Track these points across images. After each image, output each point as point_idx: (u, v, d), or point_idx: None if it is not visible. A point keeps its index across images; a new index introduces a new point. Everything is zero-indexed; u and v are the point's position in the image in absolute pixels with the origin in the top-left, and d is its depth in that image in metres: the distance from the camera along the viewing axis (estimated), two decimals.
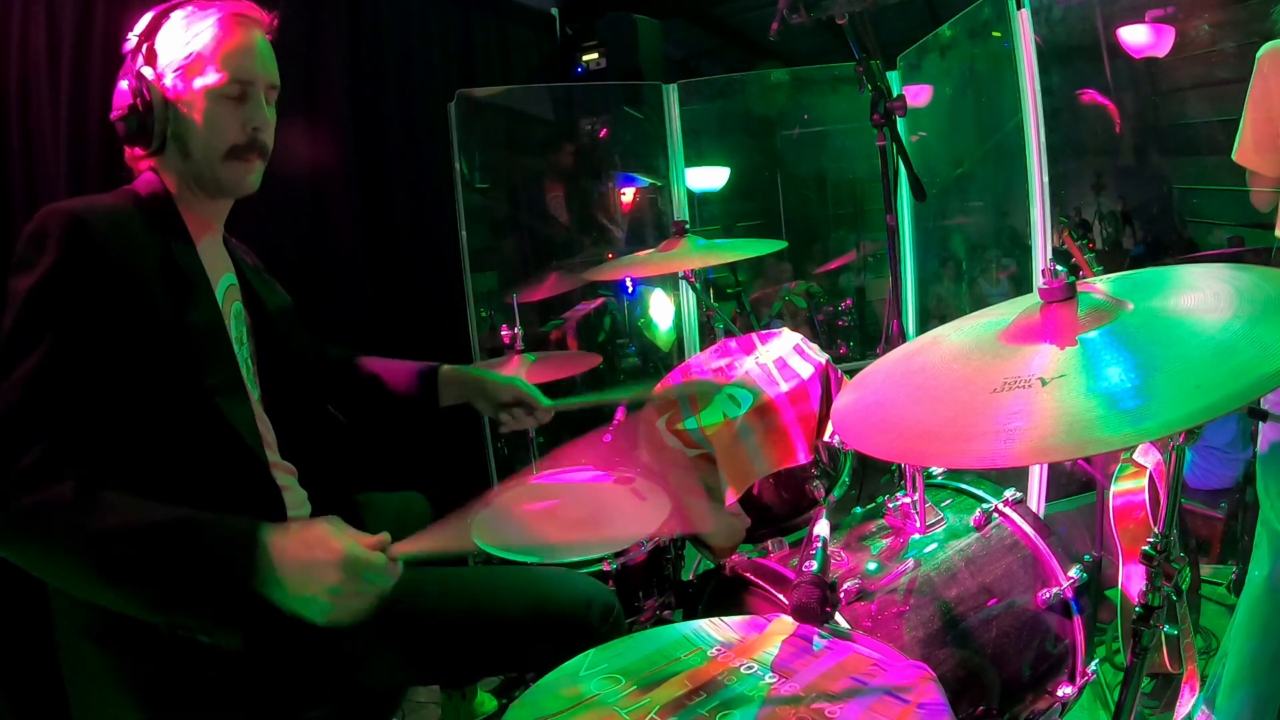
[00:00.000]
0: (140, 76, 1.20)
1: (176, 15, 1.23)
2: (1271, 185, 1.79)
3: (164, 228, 1.22)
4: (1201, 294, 0.96)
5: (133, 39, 1.23)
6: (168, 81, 1.21)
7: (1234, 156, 1.83)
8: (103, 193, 1.24)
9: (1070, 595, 1.46)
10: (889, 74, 3.51)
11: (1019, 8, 2.47)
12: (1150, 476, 2.06)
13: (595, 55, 3.91)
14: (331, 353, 1.65)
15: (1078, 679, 1.47)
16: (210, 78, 1.21)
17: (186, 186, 1.26)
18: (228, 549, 1.02)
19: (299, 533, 1.04)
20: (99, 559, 1.01)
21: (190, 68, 1.21)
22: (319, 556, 1.01)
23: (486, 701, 1.68)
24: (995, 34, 2.78)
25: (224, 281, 1.31)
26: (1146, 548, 1.03)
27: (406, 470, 3.13)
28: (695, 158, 3.84)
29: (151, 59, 1.22)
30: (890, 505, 1.57)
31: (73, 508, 1.00)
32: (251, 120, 1.25)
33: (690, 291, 2.80)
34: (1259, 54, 1.75)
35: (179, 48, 1.21)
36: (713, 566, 1.72)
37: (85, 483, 1.01)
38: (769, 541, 1.66)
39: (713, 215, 4.28)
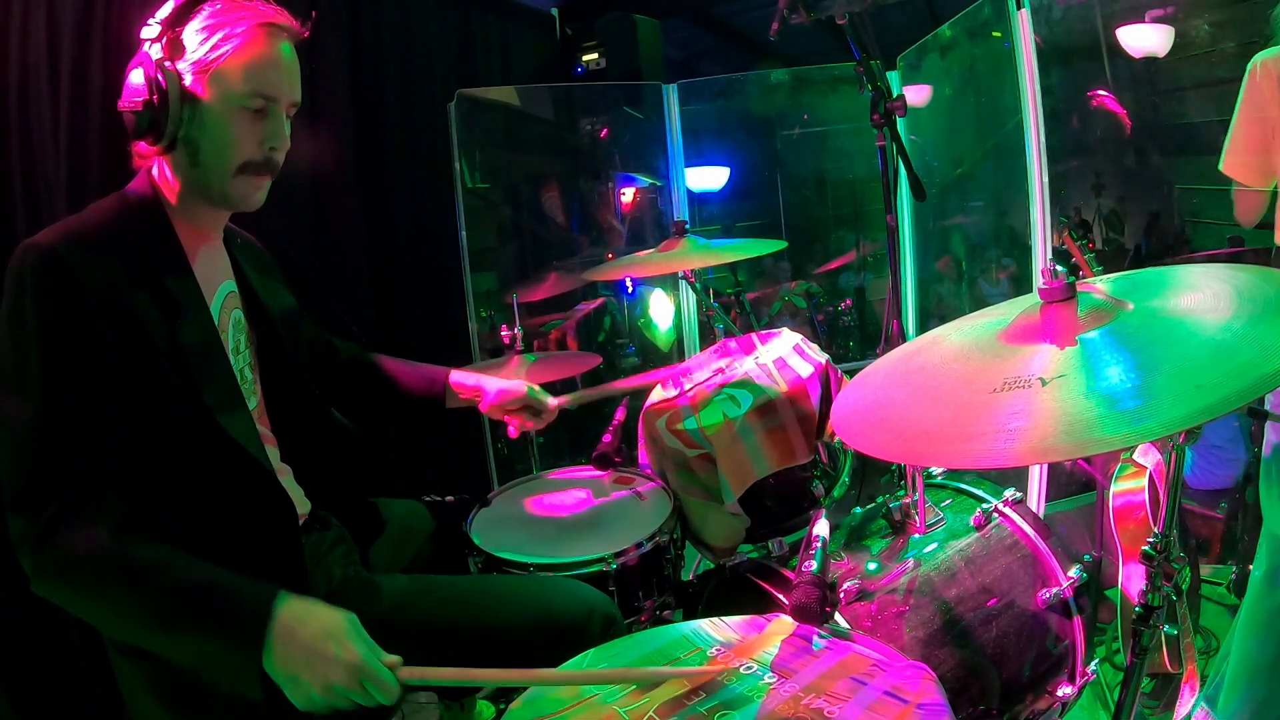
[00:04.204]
0: (160, 67, 1.13)
1: (205, 11, 1.17)
2: (1259, 196, 1.77)
3: (154, 244, 1.18)
4: (1201, 294, 0.97)
5: (154, 25, 1.16)
6: (188, 81, 1.15)
7: (1220, 167, 1.81)
8: (100, 199, 1.22)
9: (1070, 595, 1.46)
10: (889, 74, 3.51)
11: (1019, 8, 2.47)
12: (1150, 476, 2.06)
13: (595, 55, 3.91)
14: (341, 348, 1.65)
15: (1078, 679, 1.47)
16: (234, 88, 1.16)
17: (189, 193, 1.22)
18: (240, 617, 1.03)
19: (319, 619, 1.04)
20: (126, 613, 1.04)
21: (214, 73, 1.15)
22: (331, 652, 1.01)
23: (485, 710, 1.68)
24: (995, 34, 2.78)
25: (222, 290, 1.30)
26: (1146, 548, 1.03)
27: (408, 470, 3.15)
28: (695, 158, 3.84)
29: (174, 52, 1.15)
30: (890, 505, 1.57)
31: (106, 558, 1.02)
32: (270, 139, 1.21)
33: (690, 291, 2.80)
34: (1252, 63, 1.72)
35: (204, 48, 1.15)
36: (713, 566, 1.72)
37: (118, 531, 1.03)
38: (769, 541, 1.67)
39: (713, 215, 4.28)
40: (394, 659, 1.04)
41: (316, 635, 1.02)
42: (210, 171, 1.20)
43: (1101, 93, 3.39)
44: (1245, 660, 1.72)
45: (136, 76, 1.15)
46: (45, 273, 1.07)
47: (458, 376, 1.65)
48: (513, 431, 1.70)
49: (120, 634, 1.10)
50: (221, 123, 1.17)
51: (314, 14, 1.27)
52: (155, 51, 1.15)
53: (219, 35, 1.16)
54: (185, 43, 1.16)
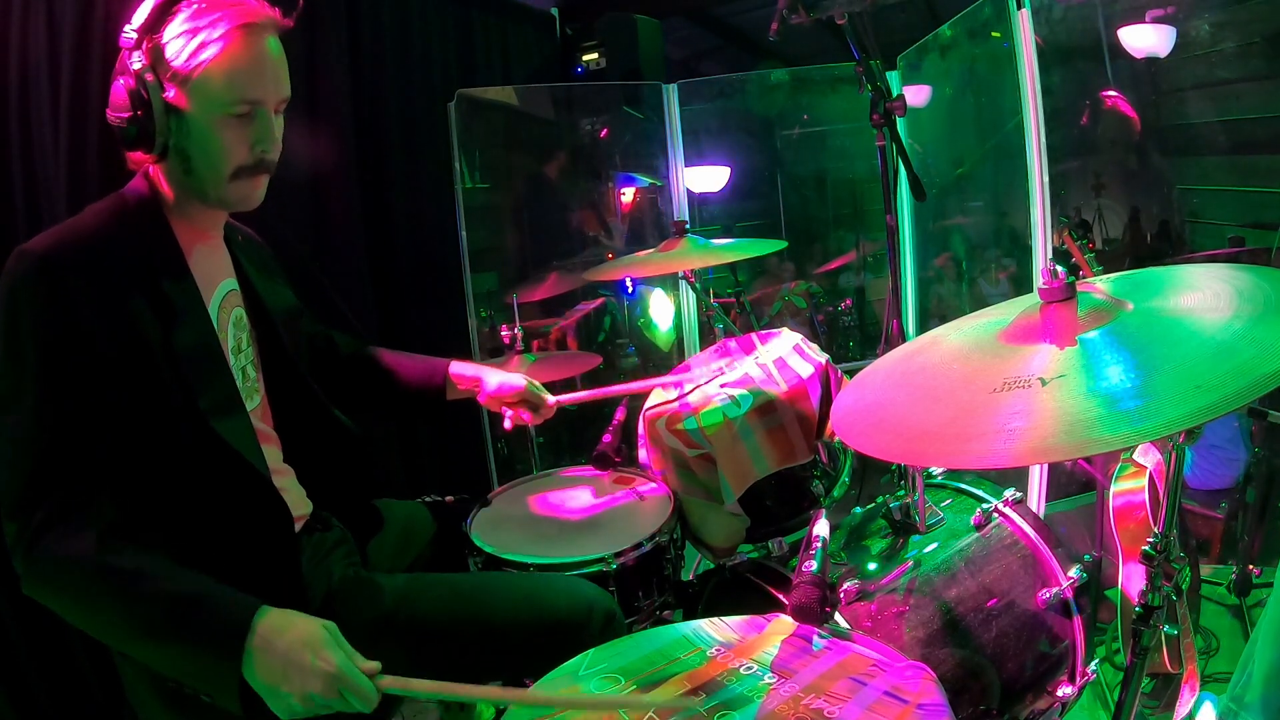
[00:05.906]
0: (140, 79, 1.11)
1: (181, 14, 1.12)
2: None
3: (151, 247, 1.17)
4: (1201, 294, 0.97)
5: (131, 33, 1.13)
6: (170, 94, 1.13)
7: None
8: (99, 199, 1.21)
9: (1070, 595, 1.46)
10: (889, 74, 3.51)
11: (1019, 8, 2.47)
12: (1150, 476, 2.06)
13: (595, 55, 3.91)
14: (342, 343, 1.65)
15: (1078, 679, 1.47)
16: (217, 97, 1.13)
17: (185, 196, 1.21)
18: (221, 630, 1.03)
19: (296, 630, 1.04)
20: (110, 619, 1.04)
21: (195, 83, 1.12)
22: (307, 662, 1.01)
23: (485, 712, 1.68)
24: (995, 34, 2.78)
25: (222, 288, 1.29)
26: (1146, 548, 1.03)
27: (408, 470, 3.15)
28: (695, 158, 3.83)
29: (153, 62, 1.12)
30: (890, 505, 1.57)
31: (90, 566, 1.02)
32: (259, 142, 1.18)
33: (690, 291, 2.80)
34: None
35: (183, 56, 1.12)
36: (713, 566, 1.72)
37: (105, 538, 1.03)
38: (769, 541, 1.67)
39: (713, 215, 4.27)
40: (372, 666, 1.03)
41: (293, 646, 1.02)
42: (204, 179, 1.19)
43: (1112, 93, 3.39)
44: (1274, 655, 1.71)
45: (120, 88, 1.13)
46: (38, 281, 1.07)
47: (457, 368, 1.65)
48: (508, 424, 1.69)
49: (106, 640, 1.10)
50: (208, 133, 1.15)
51: (300, 3, 1.23)
52: (136, 61, 1.12)
53: (197, 42, 1.11)
54: (165, 50, 1.12)
